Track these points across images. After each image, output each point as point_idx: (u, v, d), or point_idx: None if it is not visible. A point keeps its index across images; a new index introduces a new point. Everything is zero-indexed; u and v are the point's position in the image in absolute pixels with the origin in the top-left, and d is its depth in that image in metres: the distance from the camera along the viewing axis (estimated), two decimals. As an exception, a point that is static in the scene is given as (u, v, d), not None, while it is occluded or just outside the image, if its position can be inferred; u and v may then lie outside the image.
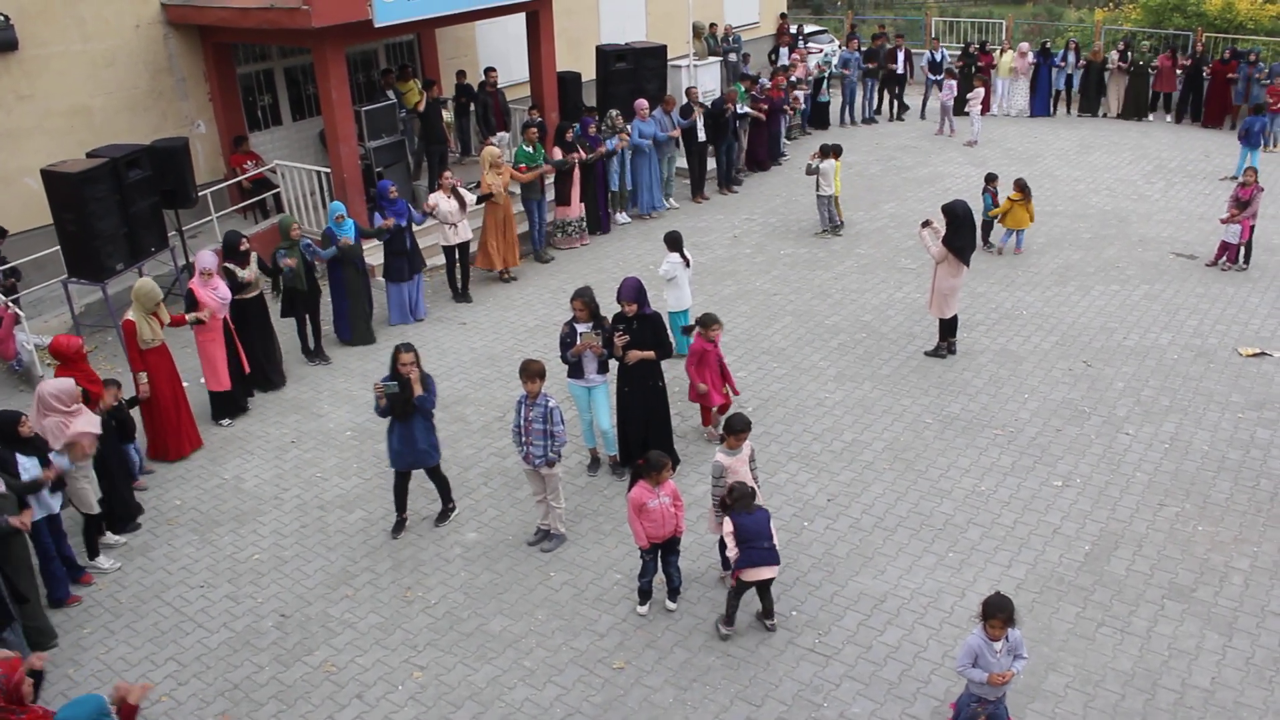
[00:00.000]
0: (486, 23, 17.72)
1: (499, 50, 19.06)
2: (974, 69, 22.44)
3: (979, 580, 8.16)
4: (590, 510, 9.28)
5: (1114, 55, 22.92)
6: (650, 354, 9.22)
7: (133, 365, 9.97)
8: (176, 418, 10.25)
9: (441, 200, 13.28)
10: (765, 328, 12.81)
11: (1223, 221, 14.12)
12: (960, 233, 11.25)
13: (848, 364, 11.82)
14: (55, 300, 12.95)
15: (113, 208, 11.71)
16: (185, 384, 10.50)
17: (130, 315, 9.87)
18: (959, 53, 23.73)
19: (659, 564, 7.88)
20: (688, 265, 11.57)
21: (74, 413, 8.36)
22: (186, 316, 10.40)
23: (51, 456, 8.01)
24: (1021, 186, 14.66)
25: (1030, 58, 22.93)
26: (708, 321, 9.79)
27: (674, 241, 11.46)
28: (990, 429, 10.33)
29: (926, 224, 11.63)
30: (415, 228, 13.09)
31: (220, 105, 15.26)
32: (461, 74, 17.90)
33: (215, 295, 10.49)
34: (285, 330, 12.22)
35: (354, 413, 11.18)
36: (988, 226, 14.94)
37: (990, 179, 15.19)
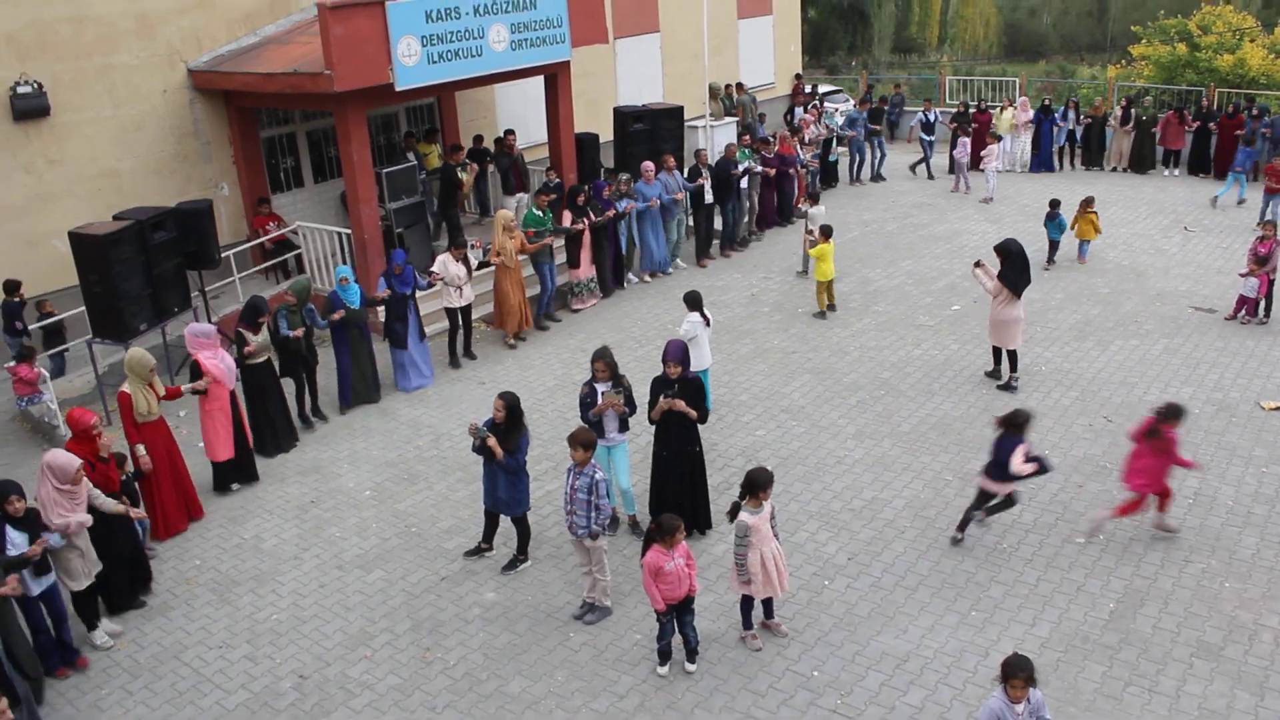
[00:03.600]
0: (505, 85, 17.99)
1: (518, 112, 19.34)
2: (970, 127, 22.54)
3: (1003, 639, 8.07)
4: (610, 569, 9.23)
5: (1116, 111, 23.10)
6: (693, 412, 9.16)
7: (129, 438, 9.67)
8: (176, 492, 10.07)
9: (449, 264, 13.36)
10: (784, 385, 12.81)
11: (1241, 275, 14.11)
12: (1013, 267, 11.99)
13: (867, 421, 11.79)
14: (79, 360, 13.08)
15: (138, 269, 11.89)
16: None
17: (125, 388, 9.69)
18: (954, 112, 23.83)
19: (675, 625, 7.83)
20: (708, 324, 11.62)
21: (68, 493, 8.12)
22: (183, 387, 10.31)
23: (44, 533, 7.86)
24: (1086, 203, 16.58)
25: (1030, 114, 23.12)
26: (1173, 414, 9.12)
27: (694, 301, 11.52)
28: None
29: (979, 264, 12.42)
30: (419, 293, 13.14)
31: (244, 168, 15.53)
32: (479, 138, 18.15)
33: (220, 364, 10.41)
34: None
35: (374, 472, 11.21)
36: (1055, 247, 16.73)
37: (1054, 204, 16.73)
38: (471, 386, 13.24)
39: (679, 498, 9.31)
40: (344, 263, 14.75)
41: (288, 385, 11.98)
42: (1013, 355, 12.47)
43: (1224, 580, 8.70)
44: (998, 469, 9.00)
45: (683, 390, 9.14)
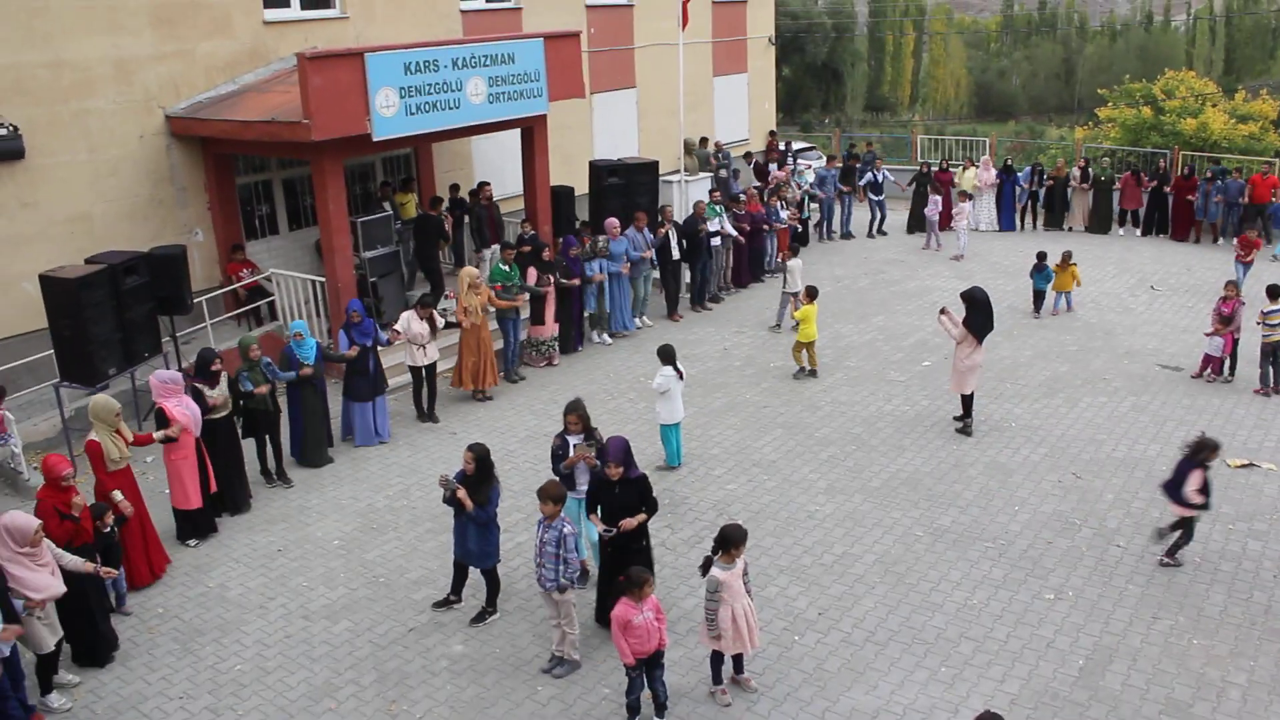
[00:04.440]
0: (482, 137, 18.13)
1: (494, 164, 19.47)
2: (930, 187, 22.84)
3: (972, 696, 8.05)
4: (578, 623, 9.16)
5: (1075, 172, 23.57)
6: (641, 518, 8.60)
7: (102, 487, 9.45)
8: (142, 542, 9.86)
9: (413, 321, 13.17)
10: (755, 440, 12.84)
11: (1207, 335, 14.33)
12: (978, 314, 12.42)
13: (838, 476, 11.82)
14: (45, 404, 12.94)
15: (108, 313, 11.79)
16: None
17: (93, 436, 9.50)
18: (914, 171, 24.22)
19: (645, 680, 7.77)
20: (681, 378, 11.65)
21: (28, 555, 7.85)
22: (155, 435, 10.14)
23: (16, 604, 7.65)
24: (1065, 257, 17.30)
25: (993, 173, 23.53)
26: None
27: (667, 355, 11.57)
28: (981, 542, 10.29)
29: (944, 311, 12.86)
30: (380, 348, 12.97)
31: (219, 214, 15.50)
32: (455, 187, 18.23)
33: (186, 411, 10.26)
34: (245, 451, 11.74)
35: (342, 521, 11.11)
36: (1040, 297, 17.41)
37: (1041, 256, 17.43)
38: (443, 437, 13.19)
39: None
40: (317, 313, 14.72)
41: (249, 446, 11.68)
42: (968, 400, 12.83)
43: (1192, 637, 8.74)
44: (1173, 488, 9.65)
45: (625, 492, 8.56)
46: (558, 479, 8.75)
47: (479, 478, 8.74)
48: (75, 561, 8.30)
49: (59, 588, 8.01)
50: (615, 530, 8.48)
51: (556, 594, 8.27)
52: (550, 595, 8.32)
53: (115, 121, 14.20)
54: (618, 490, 8.56)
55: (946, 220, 22.26)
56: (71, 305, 11.44)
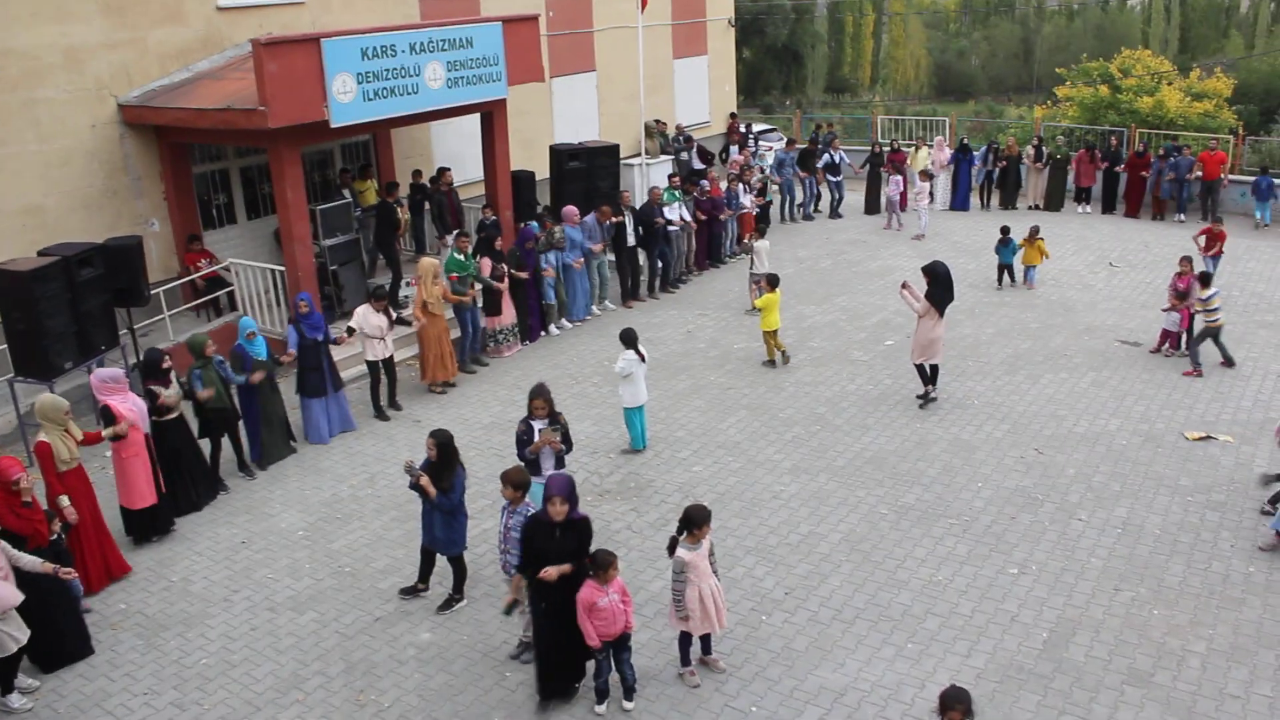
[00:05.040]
0: (441, 123, 18.00)
1: (454, 150, 19.34)
2: (890, 167, 22.92)
3: (939, 671, 8.12)
4: (547, 607, 9.17)
5: (1029, 151, 23.78)
6: (565, 569, 7.46)
7: (51, 490, 9.09)
8: (98, 544, 9.62)
9: (369, 314, 12.85)
10: (720, 422, 12.86)
11: (1163, 310, 14.50)
12: (939, 287, 12.69)
13: (802, 457, 11.87)
14: (0, 399, 12.74)
15: (63, 306, 11.61)
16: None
17: (43, 437, 9.20)
18: (867, 151, 24.35)
19: (612, 663, 7.78)
20: (643, 361, 11.64)
21: None
22: (104, 432, 9.84)
23: None
24: (1033, 231, 17.74)
25: (947, 154, 23.66)
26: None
27: (629, 339, 11.55)
28: (945, 518, 10.38)
29: (905, 285, 13.07)
30: (332, 345, 12.69)
31: (175, 204, 15.31)
32: (417, 173, 18.09)
33: (133, 408, 10.02)
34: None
35: (306, 512, 11.03)
36: (1005, 270, 17.90)
37: (1005, 230, 17.76)
38: (406, 425, 13.11)
39: (562, 656, 7.79)
40: (276, 302, 14.56)
41: (205, 445, 11.48)
42: (935, 369, 13.09)
43: (1153, 608, 8.86)
44: None
45: (565, 536, 7.50)
46: (522, 464, 8.71)
47: (442, 464, 8.69)
48: (32, 562, 8.11)
49: (15, 597, 7.85)
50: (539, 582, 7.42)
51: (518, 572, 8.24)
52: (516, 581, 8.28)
53: (66, 111, 13.97)
54: (558, 534, 7.46)
55: (905, 200, 22.37)
56: (25, 298, 11.26)
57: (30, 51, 13.50)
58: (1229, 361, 13.92)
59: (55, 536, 8.71)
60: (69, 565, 8.74)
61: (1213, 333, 13.84)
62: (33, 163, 13.70)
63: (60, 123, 13.93)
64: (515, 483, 8.07)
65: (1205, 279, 13.98)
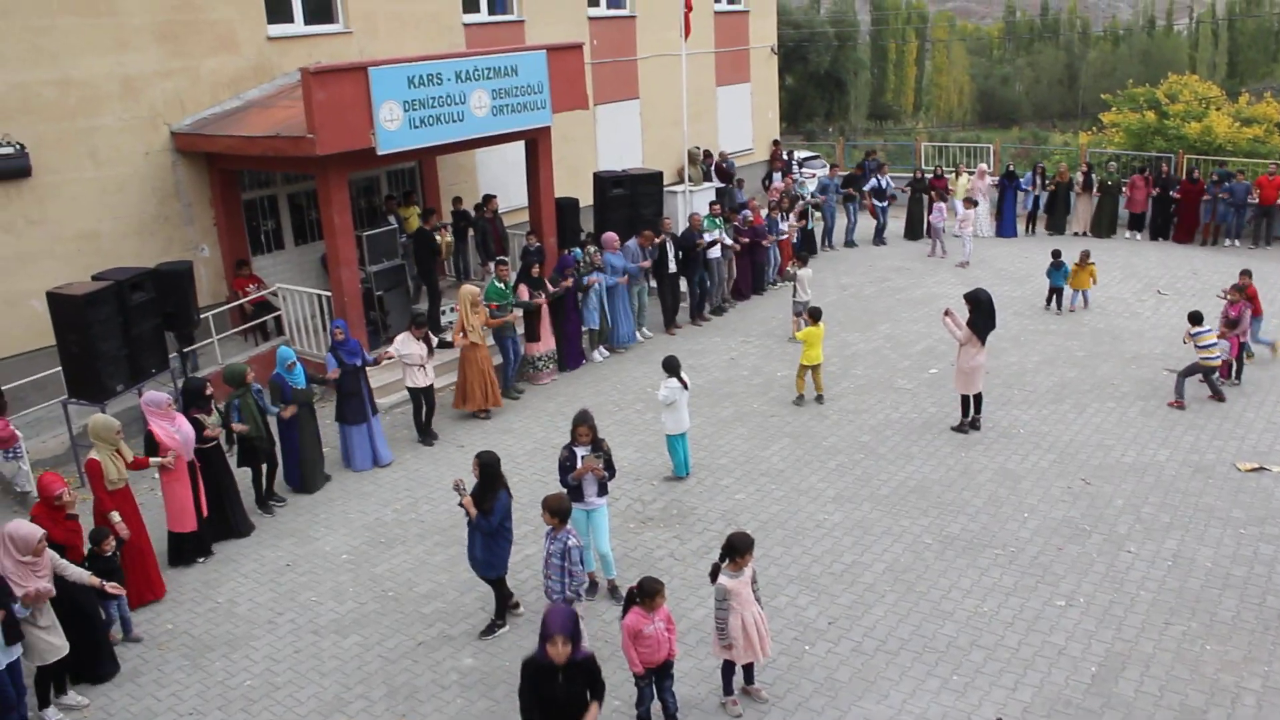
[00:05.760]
0: (486, 149, 18.17)
1: (498, 177, 19.50)
2: (926, 193, 22.82)
3: (984, 704, 8.01)
4: (588, 636, 9.14)
5: (1079, 177, 23.59)
6: (594, 714, 6.55)
7: (101, 507, 9.35)
8: (140, 565, 9.75)
9: (408, 342, 12.92)
10: (763, 449, 12.81)
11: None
12: (981, 315, 12.63)
13: (846, 485, 11.79)
14: (54, 421, 12.96)
15: (115, 329, 11.84)
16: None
17: (94, 455, 9.45)
18: (910, 178, 24.27)
19: (654, 690, 7.74)
20: (686, 389, 11.64)
21: (30, 565, 7.87)
22: (152, 461, 9.98)
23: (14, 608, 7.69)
24: (1084, 255, 17.80)
25: (988, 179, 23.54)
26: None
27: (672, 366, 11.56)
28: (991, 549, 10.25)
29: (948, 313, 12.97)
30: (369, 369, 12.76)
31: (224, 230, 15.56)
32: (458, 199, 18.26)
33: (175, 435, 10.15)
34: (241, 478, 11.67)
35: (351, 535, 11.11)
36: (1057, 293, 17.94)
37: (1056, 254, 17.90)
38: (450, 450, 13.18)
39: None
40: (322, 328, 14.71)
41: (244, 474, 11.60)
42: (978, 398, 13.05)
43: (1205, 643, 8.69)
44: None
45: (572, 679, 6.41)
46: (564, 491, 8.72)
47: (484, 486, 8.73)
48: (79, 574, 8.33)
49: (50, 589, 7.99)
50: None
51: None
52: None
53: (121, 138, 14.27)
54: (561, 678, 6.35)
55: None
56: (79, 322, 11.49)
57: (89, 80, 13.82)
58: (1218, 396, 13.70)
59: (110, 554, 8.93)
60: (121, 583, 8.94)
61: (1205, 370, 13.63)
62: (89, 189, 14.00)
63: (115, 150, 14.23)
64: (554, 509, 8.09)
65: (1195, 318, 13.74)
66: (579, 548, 8.20)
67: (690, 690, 8.27)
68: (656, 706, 7.83)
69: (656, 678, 7.67)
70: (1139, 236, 23.11)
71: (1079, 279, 17.84)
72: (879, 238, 23.48)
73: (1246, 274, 14.49)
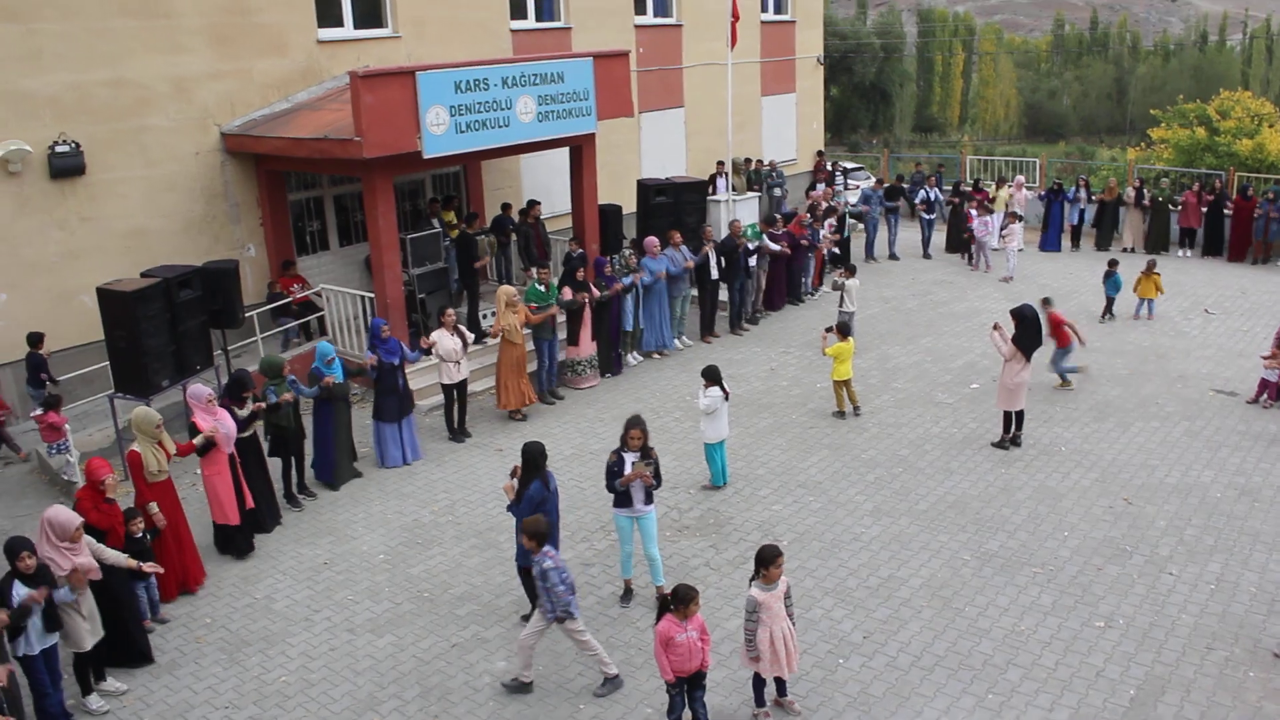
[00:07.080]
0: (531, 155, 18.26)
1: (542, 182, 19.60)
2: (966, 205, 22.64)
3: (1020, 724, 7.92)
4: (622, 642, 9.15)
5: (1130, 192, 23.32)
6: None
7: (141, 498, 9.61)
8: (177, 556, 9.92)
9: (444, 338, 13.13)
10: (801, 461, 12.77)
11: (1263, 358, 14.06)
12: (1026, 331, 12.66)
13: (884, 498, 11.72)
14: (100, 414, 13.17)
15: (163, 326, 12.00)
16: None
17: (136, 447, 9.68)
18: (951, 189, 24.17)
19: (685, 699, 7.72)
20: (727, 398, 11.62)
21: (68, 550, 8.05)
22: (195, 440, 10.16)
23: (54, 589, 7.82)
24: (1150, 265, 18.01)
25: (1025, 191, 23.31)
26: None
27: (713, 375, 11.53)
28: (1030, 567, 10.15)
29: (996, 327, 13.06)
30: (410, 366, 12.94)
31: (270, 230, 15.75)
32: (506, 205, 18.35)
33: (220, 425, 10.29)
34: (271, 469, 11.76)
35: (388, 536, 11.19)
36: (1111, 304, 18.08)
37: (1112, 263, 18.06)
38: (488, 453, 13.24)
39: None
40: (365, 328, 14.84)
41: (274, 465, 11.72)
42: (1020, 415, 12.97)
43: (1248, 669, 8.54)
44: None
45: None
46: (542, 516, 8.44)
47: (523, 475, 8.85)
48: (116, 556, 8.51)
49: (93, 566, 8.17)
50: None
51: (555, 623, 8.22)
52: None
53: (172, 138, 14.50)
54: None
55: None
56: (127, 318, 11.65)
57: (142, 81, 14.06)
58: None
59: (141, 535, 9.14)
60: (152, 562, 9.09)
61: None
62: (139, 187, 14.23)
63: (166, 149, 14.46)
64: (531, 533, 8.06)
65: None
66: (554, 569, 7.99)
67: (723, 700, 8.25)
68: (688, 715, 7.81)
69: (688, 687, 7.66)
70: (1190, 254, 22.81)
71: (1144, 288, 17.97)
72: (925, 251, 23.34)
73: None
